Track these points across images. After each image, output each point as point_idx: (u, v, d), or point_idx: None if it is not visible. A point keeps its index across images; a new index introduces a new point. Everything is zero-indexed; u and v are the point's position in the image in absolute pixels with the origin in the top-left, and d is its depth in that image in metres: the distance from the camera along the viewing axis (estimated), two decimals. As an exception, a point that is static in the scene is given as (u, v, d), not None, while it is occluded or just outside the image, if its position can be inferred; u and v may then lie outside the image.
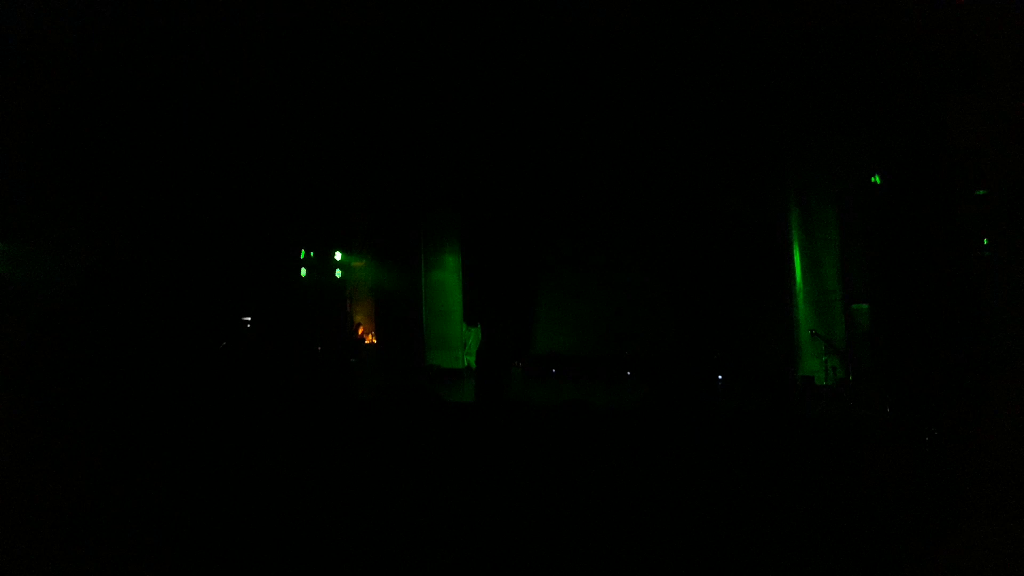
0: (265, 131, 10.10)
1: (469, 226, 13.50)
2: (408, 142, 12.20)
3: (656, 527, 2.35)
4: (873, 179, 8.08)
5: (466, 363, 12.65)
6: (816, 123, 9.61)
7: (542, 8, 7.86)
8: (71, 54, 7.20)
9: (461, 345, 13.07)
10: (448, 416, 2.44)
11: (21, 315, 6.58)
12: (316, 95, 9.58)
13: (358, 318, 14.86)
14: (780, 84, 9.85)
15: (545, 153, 12.43)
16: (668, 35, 9.09)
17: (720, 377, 10.99)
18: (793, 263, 9.92)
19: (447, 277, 13.44)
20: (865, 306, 7.64)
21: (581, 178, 13.56)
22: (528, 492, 2.34)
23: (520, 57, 8.93)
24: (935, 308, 6.81)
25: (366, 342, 14.29)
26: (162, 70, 8.14)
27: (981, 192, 6.54)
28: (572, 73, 9.56)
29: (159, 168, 8.77)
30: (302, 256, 13.10)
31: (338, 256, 14.11)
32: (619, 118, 11.80)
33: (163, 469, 2.35)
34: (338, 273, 14.14)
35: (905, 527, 3.17)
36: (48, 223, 7.73)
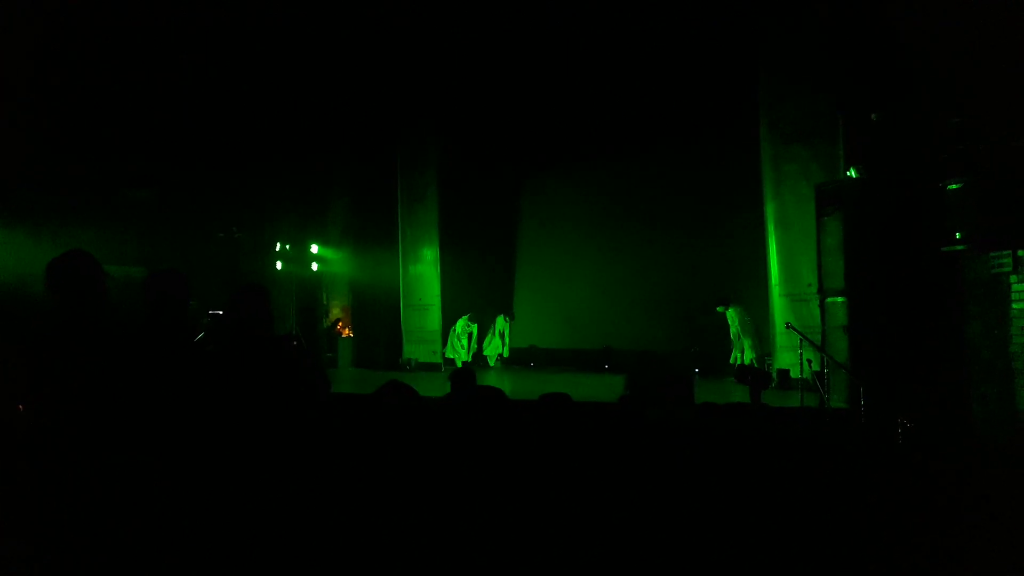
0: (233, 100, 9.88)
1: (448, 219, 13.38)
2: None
3: (636, 524, 2.31)
4: (849, 172, 8.14)
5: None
6: (791, 110, 9.65)
7: None
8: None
9: (463, 337, 13.10)
10: (423, 410, 2.37)
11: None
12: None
13: (336, 312, 14.67)
14: (756, 73, 9.91)
15: (526, 124, 12.33)
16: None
17: (697, 371, 11.04)
18: (769, 257, 9.97)
19: (425, 270, 13.31)
20: (841, 299, 7.70)
21: (561, 165, 13.55)
22: (507, 487, 2.28)
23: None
24: (910, 303, 6.88)
25: (343, 336, 14.12)
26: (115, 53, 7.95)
27: (954, 186, 6.61)
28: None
29: (125, 157, 8.55)
30: (278, 248, 12.89)
31: (314, 249, 13.89)
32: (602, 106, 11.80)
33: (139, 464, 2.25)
34: (315, 266, 13.92)
35: (876, 519, 3.18)
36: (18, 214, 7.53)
